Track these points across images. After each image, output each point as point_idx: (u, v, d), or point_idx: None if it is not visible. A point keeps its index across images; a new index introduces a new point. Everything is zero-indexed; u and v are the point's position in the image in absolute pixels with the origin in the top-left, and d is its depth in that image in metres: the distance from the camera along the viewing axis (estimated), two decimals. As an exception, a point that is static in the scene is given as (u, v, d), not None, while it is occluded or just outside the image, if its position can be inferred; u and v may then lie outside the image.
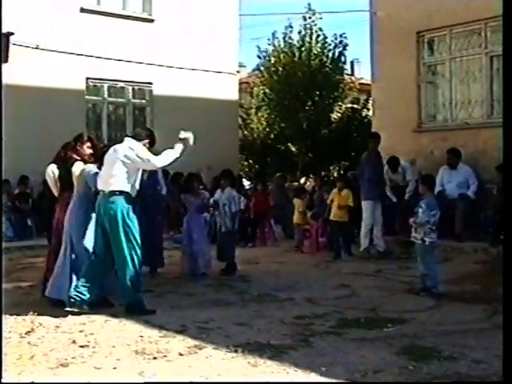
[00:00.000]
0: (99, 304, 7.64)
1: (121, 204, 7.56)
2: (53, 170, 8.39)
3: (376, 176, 12.16)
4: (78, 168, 8.16)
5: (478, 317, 7.25)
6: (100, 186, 7.74)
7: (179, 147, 7.84)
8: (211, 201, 10.87)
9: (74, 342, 6.35)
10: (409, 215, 8.84)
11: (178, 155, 7.85)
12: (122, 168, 7.62)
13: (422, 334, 6.50)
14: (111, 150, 7.87)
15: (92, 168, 8.09)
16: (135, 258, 7.57)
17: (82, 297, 7.48)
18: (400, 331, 6.65)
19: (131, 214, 7.63)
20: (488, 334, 6.52)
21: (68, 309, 7.53)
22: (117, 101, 18.90)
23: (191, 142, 7.92)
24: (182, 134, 7.91)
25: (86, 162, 8.21)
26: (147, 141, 8.03)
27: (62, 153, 8.44)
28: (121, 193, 7.59)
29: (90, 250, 7.80)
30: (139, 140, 7.92)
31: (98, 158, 8.17)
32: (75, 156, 8.25)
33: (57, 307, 7.61)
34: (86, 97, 17.95)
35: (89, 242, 7.87)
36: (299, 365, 5.52)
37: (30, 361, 5.72)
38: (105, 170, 7.80)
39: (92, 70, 17.65)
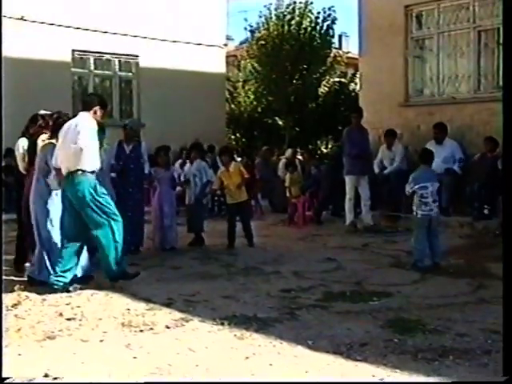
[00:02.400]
0: (82, 279, 7.56)
1: (86, 183, 7.25)
2: (23, 145, 8.09)
3: (356, 150, 11.96)
4: (41, 140, 7.84)
5: (462, 291, 7.29)
6: (58, 165, 7.38)
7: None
8: (181, 175, 10.84)
9: (60, 314, 6.36)
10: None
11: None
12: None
13: (407, 308, 6.55)
14: (69, 124, 7.42)
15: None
16: (113, 231, 7.35)
17: (64, 280, 7.31)
18: (385, 304, 6.69)
19: (99, 189, 7.36)
20: (472, 307, 6.57)
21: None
22: (103, 73, 18.81)
23: None
24: None
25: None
26: (97, 108, 7.52)
27: (31, 126, 8.20)
28: (84, 171, 7.26)
29: (56, 229, 7.61)
30: (88, 110, 7.48)
31: (52, 132, 7.72)
32: (44, 130, 7.92)
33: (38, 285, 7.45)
34: (72, 69, 17.85)
35: (56, 220, 7.64)
36: (285, 338, 5.55)
37: (17, 333, 5.72)
38: (62, 147, 7.38)
39: (78, 42, 17.53)
